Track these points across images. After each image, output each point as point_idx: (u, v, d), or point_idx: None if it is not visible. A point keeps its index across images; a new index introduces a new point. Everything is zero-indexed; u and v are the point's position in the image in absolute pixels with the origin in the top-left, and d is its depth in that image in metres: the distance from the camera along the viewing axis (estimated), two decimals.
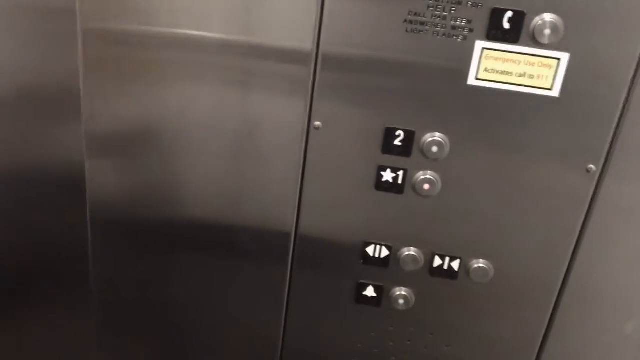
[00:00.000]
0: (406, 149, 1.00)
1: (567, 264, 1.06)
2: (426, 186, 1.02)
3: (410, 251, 1.07)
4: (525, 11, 0.90)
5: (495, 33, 0.92)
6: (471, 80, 0.95)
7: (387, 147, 1.01)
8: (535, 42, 0.91)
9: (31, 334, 1.33)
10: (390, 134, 1.00)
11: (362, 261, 1.10)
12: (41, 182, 1.17)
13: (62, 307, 1.29)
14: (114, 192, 1.13)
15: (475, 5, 0.90)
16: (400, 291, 1.11)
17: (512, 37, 0.92)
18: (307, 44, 0.97)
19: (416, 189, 1.02)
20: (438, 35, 0.93)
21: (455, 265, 1.08)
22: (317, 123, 1.01)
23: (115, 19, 1.00)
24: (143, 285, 1.22)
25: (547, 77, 0.93)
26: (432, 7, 0.91)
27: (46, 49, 1.05)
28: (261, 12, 0.97)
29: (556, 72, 0.93)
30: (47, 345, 1.34)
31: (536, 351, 1.14)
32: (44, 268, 1.25)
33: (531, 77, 0.93)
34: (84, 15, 1.00)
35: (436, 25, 0.92)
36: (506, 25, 0.91)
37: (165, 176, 1.11)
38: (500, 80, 0.94)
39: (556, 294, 1.09)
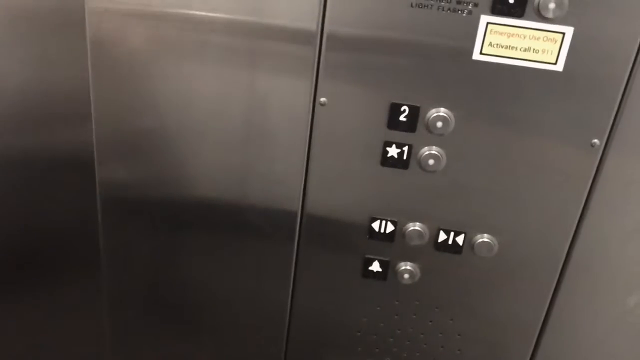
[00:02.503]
0: (411, 125, 1.01)
1: (570, 238, 1.07)
2: (431, 161, 1.02)
3: (416, 226, 1.08)
4: None
5: (500, 7, 0.92)
6: (476, 55, 0.95)
7: (393, 122, 1.01)
8: (540, 16, 0.91)
9: (42, 312, 1.34)
10: (395, 110, 1.00)
11: (368, 236, 1.11)
12: (50, 163, 1.18)
13: (72, 287, 1.31)
14: (123, 172, 1.14)
15: None
16: (406, 266, 1.12)
17: (517, 11, 0.92)
18: (312, 24, 0.97)
19: (421, 164, 1.03)
20: (443, 10, 0.93)
21: (460, 240, 1.08)
22: (323, 99, 1.02)
23: (123, 1, 1.00)
24: (152, 264, 1.23)
25: (551, 51, 0.94)
26: None
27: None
28: None
29: (560, 46, 0.93)
30: (57, 324, 1.35)
31: (540, 325, 1.15)
32: (55, 248, 1.27)
33: (536, 51, 0.94)
34: None
35: (441, 0, 0.93)
36: (511, 0, 0.91)
37: (173, 156, 1.12)
38: (505, 55, 0.95)
39: (559, 268, 1.09)
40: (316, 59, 1.00)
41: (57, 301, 1.32)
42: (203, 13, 1.00)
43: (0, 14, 1.06)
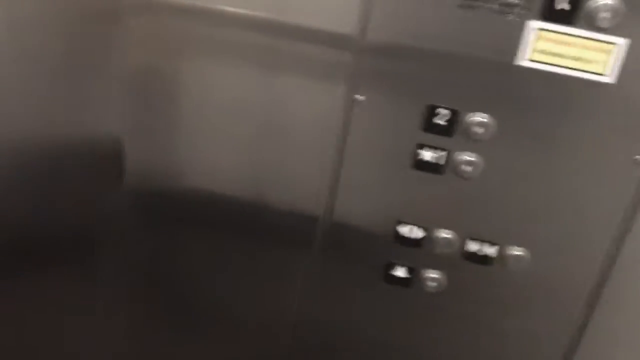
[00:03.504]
0: (448, 129, 0.98)
1: (606, 257, 1.03)
2: (467, 168, 0.99)
3: (445, 233, 1.05)
4: None
5: (550, 14, 0.88)
6: (521, 61, 0.92)
7: (428, 125, 0.98)
8: (592, 25, 0.88)
9: (54, 298, 1.33)
10: (431, 112, 0.97)
11: (394, 241, 1.08)
12: (79, 154, 1.16)
13: (87, 276, 1.29)
14: (149, 165, 1.13)
15: None
16: (432, 274, 1.09)
17: (568, 18, 0.88)
18: (352, 28, 0.95)
19: (456, 170, 1.00)
20: (491, 12, 0.90)
21: (490, 251, 1.05)
22: (359, 97, 0.99)
23: None
24: (166, 261, 1.21)
25: (601, 62, 0.90)
26: None
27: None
28: None
29: (612, 58, 0.90)
30: (68, 312, 1.33)
31: (570, 344, 1.12)
32: (74, 236, 1.25)
33: (585, 61, 0.90)
34: None
35: (490, 2, 0.89)
36: (563, 6, 0.88)
37: (197, 152, 1.10)
38: (553, 63, 0.91)
39: (593, 289, 1.06)
40: (353, 63, 0.97)
41: (58, 296, 1.31)
42: (231, 9, 0.98)
43: None
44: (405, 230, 1.06)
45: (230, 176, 1.11)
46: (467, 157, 0.99)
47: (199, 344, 1.29)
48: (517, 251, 1.04)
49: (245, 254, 1.17)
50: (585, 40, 0.89)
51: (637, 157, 0.95)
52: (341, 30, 0.96)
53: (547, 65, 0.92)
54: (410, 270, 1.10)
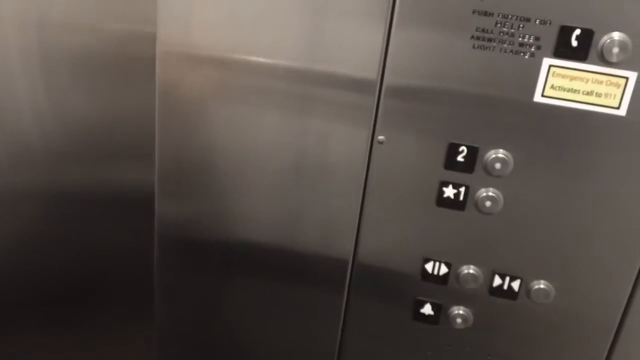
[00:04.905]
0: (469, 165, 1.01)
1: (630, 289, 1.04)
2: (488, 203, 1.01)
3: (470, 269, 1.07)
4: (594, 29, 0.90)
5: (563, 50, 0.92)
6: (537, 98, 0.95)
7: (450, 162, 1.01)
8: (603, 60, 0.91)
9: (93, 350, 1.35)
10: (453, 150, 1.00)
11: (420, 278, 1.09)
12: (107, 199, 1.20)
13: (122, 323, 1.32)
14: (180, 211, 1.16)
15: (543, 22, 0.91)
16: (459, 310, 1.10)
17: (580, 55, 0.92)
18: (372, 73, 0.99)
19: (478, 205, 1.02)
20: (505, 52, 0.94)
21: (515, 285, 1.06)
22: (381, 137, 1.02)
23: (192, 46, 1.04)
24: (202, 304, 1.23)
25: (615, 95, 0.93)
26: (500, 24, 0.92)
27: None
28: (327, 41, 1.00)
29: (624, 91, 0.93)
30: None
31: None
32: (108, 284, 1.28)
33: (599, 95, 0.93)
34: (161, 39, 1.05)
35: (504, 42, 0.93)
36: (574, 43, 0.91)
37: (228, 198, 1.13)
38: (567, 98, 0.95)
39: (618, 320, 1.06)
40: (375, 106, 1.01)
41: (108, 338, 1.33)
42: (265, 60, 1.03)
43: (65, 55, 1.10)
44: (431, 266, 1.08)
45: (261, 221, 1.14)
46: (489, 192, 1.01)
47: None
48: (542, 285, 1.05)
49: (278, 299, 1.19)
50: (597, 75, 0.92)
51: None
52: (363, 74, 1.00)
53: (562, 101, 0.95)
54: (438, 307, 1.11)
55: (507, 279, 1.06)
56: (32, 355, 1.36)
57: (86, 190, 1.20)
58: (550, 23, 0.91)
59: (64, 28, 1.09)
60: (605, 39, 0.90)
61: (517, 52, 0.94)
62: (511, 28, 0.92)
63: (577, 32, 0.91)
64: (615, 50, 0.90)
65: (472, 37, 0.94)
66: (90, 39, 1.09)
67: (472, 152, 1.00)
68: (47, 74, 1.12)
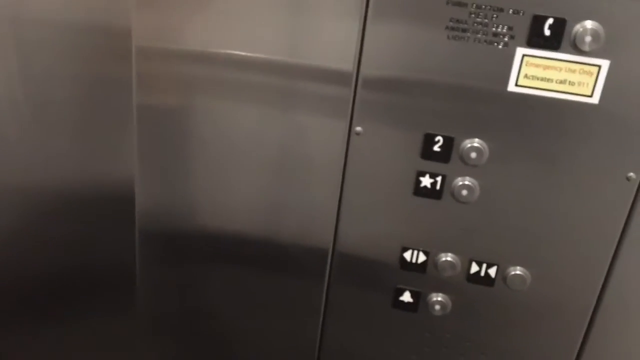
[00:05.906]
0: (445, 155, 1.01)
1: (605, 274, 1.05)
2: (464, 192, 1.02)
3: (448, 257, 1.08)
4: (567, 18, 0.91)
5: (536, 40, 0.93)
6: (511, 87, 0.96)
7: (426, 152, 1.02)
8: (576, 49, 0.92)
9: (76, 343, 1.36)
10: (429, 140, 1.01)
11: (399, 266, 1.11)
12: (89, 196, 1.19)
13: (106, 317, 1.32)
14: (161, 204, 1.16)
15: (516, 12, 0.92)
16: (437, 297, 1.11)
17: (553, 44, 0.93)
18: (348, 66, 1.00)
19: (454, 194, 1.03)
20: (479, 42, 0.94)
21: (492, 272, 1.08)
22: (358, 129, 1.03)
23: (169, 40, 1.04)
24: (184, 296, 1.24)
25: (587, 84, 0.94)
26: (474, 14, 0.93)
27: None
28: (304, 34, 1.00)
29: (596, 79, 0.94)
30: (92, 356, 1.36)
31: None
32: (91, 279, 1.28)
33: (572, 84, 0.94)
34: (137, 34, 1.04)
35: (478, 32, 0.94)
36: (547, 32, 0.92)
37: (209, 189, 1.14)
38: (541, 87, 0.95)
39: (593, 304, 1.08)
40: (352, 98, 1.01)
41: (90, 331, 1.34)
42: (243, 53, 1.03)
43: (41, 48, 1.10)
44: (409, 255, 1.10)
45: (241, 213, 1.15)
46: (465, 181, 1.02)
47: None
48: (518, 271, 1.06)
49: (260, 289, 1.20)
50: (569, 64, 0.93)
51: (630, 174, 0.98)
52: (339, 67, 1.00)
53: (536, 90, 0.96)
54: (417, 295, 1.12)
55: (484, 266, 1.08)
56: (15, 351, 1.36)
57: (66, 185, 1.19)
58: (523, 13, 0.92)
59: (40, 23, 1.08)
60: (577, 27, 0.91)
61: (491, 42, 0.94)
62: (485, 18, 0.93)
63: (550, 21, 0.91)
64: (588, 39, 0.91)
65: (447, 27, 0.94)
66: (66, 34, 1.08)
67: (448, 142, 1.01)
68: (24, 67, 1.11)
